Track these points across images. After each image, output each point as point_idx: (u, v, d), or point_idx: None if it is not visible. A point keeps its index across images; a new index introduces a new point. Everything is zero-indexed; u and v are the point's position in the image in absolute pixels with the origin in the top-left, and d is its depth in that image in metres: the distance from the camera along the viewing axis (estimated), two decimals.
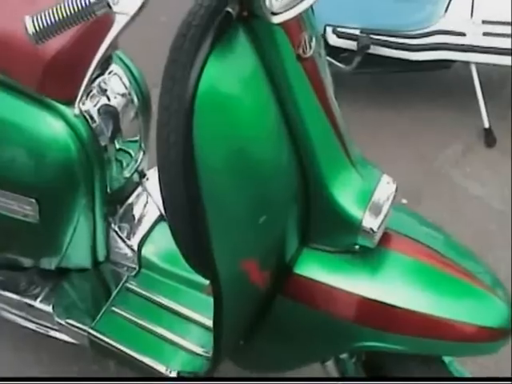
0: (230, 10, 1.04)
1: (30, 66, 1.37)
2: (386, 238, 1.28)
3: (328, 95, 1.19)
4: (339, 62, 2.54)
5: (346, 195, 1.22)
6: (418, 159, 2.57)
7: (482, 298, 1.28)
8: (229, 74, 1.08)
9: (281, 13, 1.01)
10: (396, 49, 2.51)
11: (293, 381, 1.34)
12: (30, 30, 1.01)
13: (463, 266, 1.30)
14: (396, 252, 1.29)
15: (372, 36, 2.50)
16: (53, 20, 1.01)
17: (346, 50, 2.56)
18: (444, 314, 1.23)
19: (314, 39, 1.13)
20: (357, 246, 1.27)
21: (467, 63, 2.55)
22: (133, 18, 1.01)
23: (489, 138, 2.61)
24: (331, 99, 1.20)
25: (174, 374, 1.50)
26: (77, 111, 1.13)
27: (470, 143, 2.63)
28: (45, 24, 1.01)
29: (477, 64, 2.54)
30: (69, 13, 1.01)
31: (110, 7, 1.00)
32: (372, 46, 2.50)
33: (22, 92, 1.43)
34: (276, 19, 1.01)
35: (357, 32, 2.52)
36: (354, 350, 1.39)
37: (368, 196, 1.23)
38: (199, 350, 1.53)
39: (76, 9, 1.00)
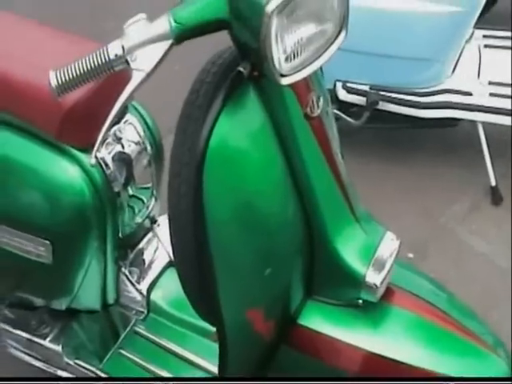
0: (241, 69, 1.07)
1: (48, 114, 1.41)
2: (389, 293, 1.29)
3: (333, 152, 1.21)
4: (348, 116, 2.56)
5: (349, 250, 1.23)
6: (425, 215, 2.56)
7: (483, 356, 1.28)
8: (239, 129, 1.11)
9: (290, 75, 1.03)
10: (404, 106, 2.51)
11: (293, 381, 1.35)
12: (53, 83, 1.06)
13: (465, 324, 1.31)
14: (398, 307, 1.30)
15: (381, 92, 2.52)
16: (74, 74, 1.05)
17: (355, 105, 2.57)
18: (445, 371, 1.24)
19: (321, 99, 1.15)
20: (360, 300, 1.28)
21: (474, 122, 2.54)
22: (148, 75, 1.04)
23: (495, 195, 2.59)
24: (337, 156, 1.22)
25: None
26: (93, 161, 1.16)
27: (477, 200, 2.61)
28: (67, 78, 1.05)
29: (483, 123, 2.53)
30: (89, 68, 1.05)
31: (128, 64, 1.04)
32: (381, 102, 2.51)
33: (40, 138, 1.46)
34: (284, 81, 1.03)
35: (366, 88, 2.53)
36: None
37: (371, 252, 1.25)
38: None
39: (96, 64, 1.05)
